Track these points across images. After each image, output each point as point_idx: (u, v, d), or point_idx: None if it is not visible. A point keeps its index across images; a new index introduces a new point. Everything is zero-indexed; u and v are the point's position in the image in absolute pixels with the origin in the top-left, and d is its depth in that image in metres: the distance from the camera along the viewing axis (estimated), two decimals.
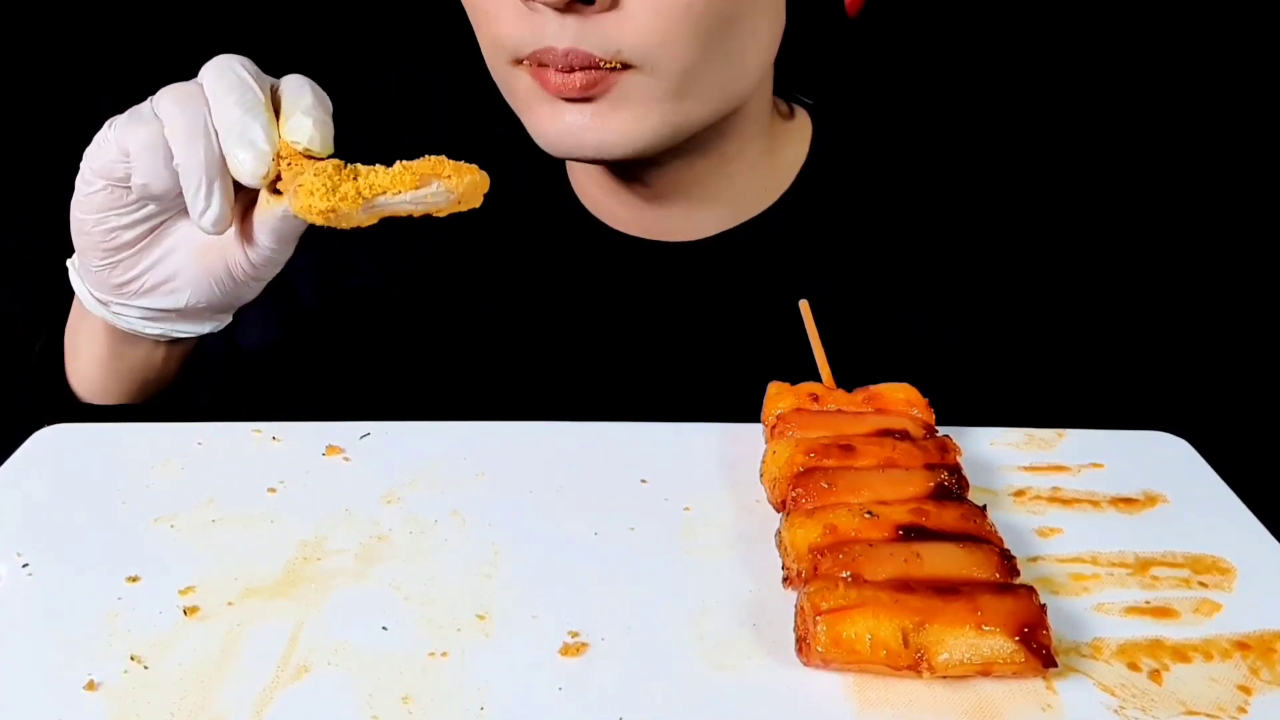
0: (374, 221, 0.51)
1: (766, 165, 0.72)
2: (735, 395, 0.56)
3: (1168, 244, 1.02)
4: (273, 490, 0.52)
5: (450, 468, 0.53)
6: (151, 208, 0.55)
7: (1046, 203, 0.77)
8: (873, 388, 0.54)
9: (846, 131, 0.75)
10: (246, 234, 0.56)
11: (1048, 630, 0.40)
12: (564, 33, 0.57)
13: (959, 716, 0.39)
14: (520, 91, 0.62)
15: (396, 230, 0.75)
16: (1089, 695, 0.40)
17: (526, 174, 0.73)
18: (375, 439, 0.56)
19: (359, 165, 0.51)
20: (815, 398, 0.54)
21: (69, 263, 0.60)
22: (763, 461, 0.51)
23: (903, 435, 0.50)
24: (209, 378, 0.67)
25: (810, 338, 0.57)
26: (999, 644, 0.39)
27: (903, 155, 0.76)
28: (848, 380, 0.55)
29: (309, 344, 0.75)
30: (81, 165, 0.54)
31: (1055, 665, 0.39)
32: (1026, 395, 0.69)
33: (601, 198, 0.73)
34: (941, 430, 0.52)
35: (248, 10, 0.57)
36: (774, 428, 0.52)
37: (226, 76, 0.52)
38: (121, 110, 0.53)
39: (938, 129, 0.83)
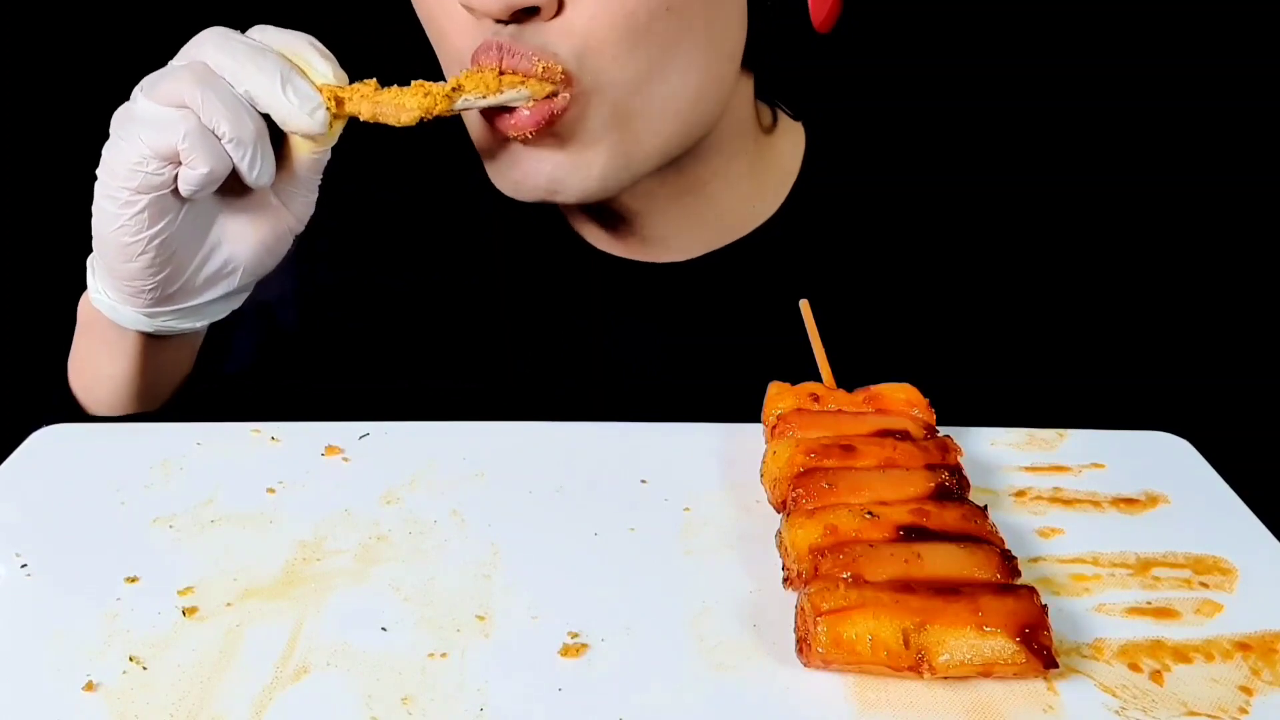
0: (415, 124, 0.55)
1: (753, 179, 0.71)
2: (735, 395, 0.56)
3: (1167, 244, 1.02)
4: (272, 491, 0.51)
5: (450, 468, 0.53)
6: (198, 204, 0.55)
7: (1046, 203, 0.77)
8: (873, 388, 0.54)
9: (841, 139, 0.75)
10: (282, 187, 0.58)
11: (1049, 631, 0.39)
12: (502, 35, 0.57)
13: (960, 717, 0.39)
14: (476, 135, 0.63)
15: (392, 243, 0.75)
16: (1090, 696, 0.40)
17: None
18: (375, 439, 0.56)
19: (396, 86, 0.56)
20: (816, 398, 0.54)
21: (92, 296, 0.59)
22: (763, 462, 0.51)
23: (903, 435, 0.50)
24: (249, 337, 0.68)
25: (810, 337, 0.57)
26: (1000, 645, 0.39)
27: (900, 157, 0.76)
28: (848, 380, 0.55)
29: (306, 346, 0.75)
30: (110, 193, 0.53)
31: (1056, 666, 0.39)
32: (1027, 395, 0.69)
33: (589, 221, 0.72)
34: (942, 430, 0.52)
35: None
36: (774, 428, 0.52)
37: (233, 47, 0.53)
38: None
39: (934, 132, 0.83)
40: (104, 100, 0.56)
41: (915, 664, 0.39)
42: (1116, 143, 1.06)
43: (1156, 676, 0.41)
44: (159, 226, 0.54)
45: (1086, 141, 1.06)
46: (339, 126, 0.56)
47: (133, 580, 0.45)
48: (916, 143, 0.78)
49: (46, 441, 0.55)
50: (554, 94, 0.57)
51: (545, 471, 0.53)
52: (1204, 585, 0.46)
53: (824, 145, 0.74)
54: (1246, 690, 0.40)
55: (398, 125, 0.55)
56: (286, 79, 0.53)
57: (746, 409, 0.55)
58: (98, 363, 0.62)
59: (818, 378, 0.56)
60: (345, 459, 0.54)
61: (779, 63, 0.69)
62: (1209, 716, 0.39)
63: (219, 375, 0.67)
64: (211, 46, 0.53)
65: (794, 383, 0.55)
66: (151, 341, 0.61)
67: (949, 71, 1.02)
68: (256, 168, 0.54)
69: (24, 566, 0.46)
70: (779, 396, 0.54)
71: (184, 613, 0.43)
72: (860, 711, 0.39)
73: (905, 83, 0.99)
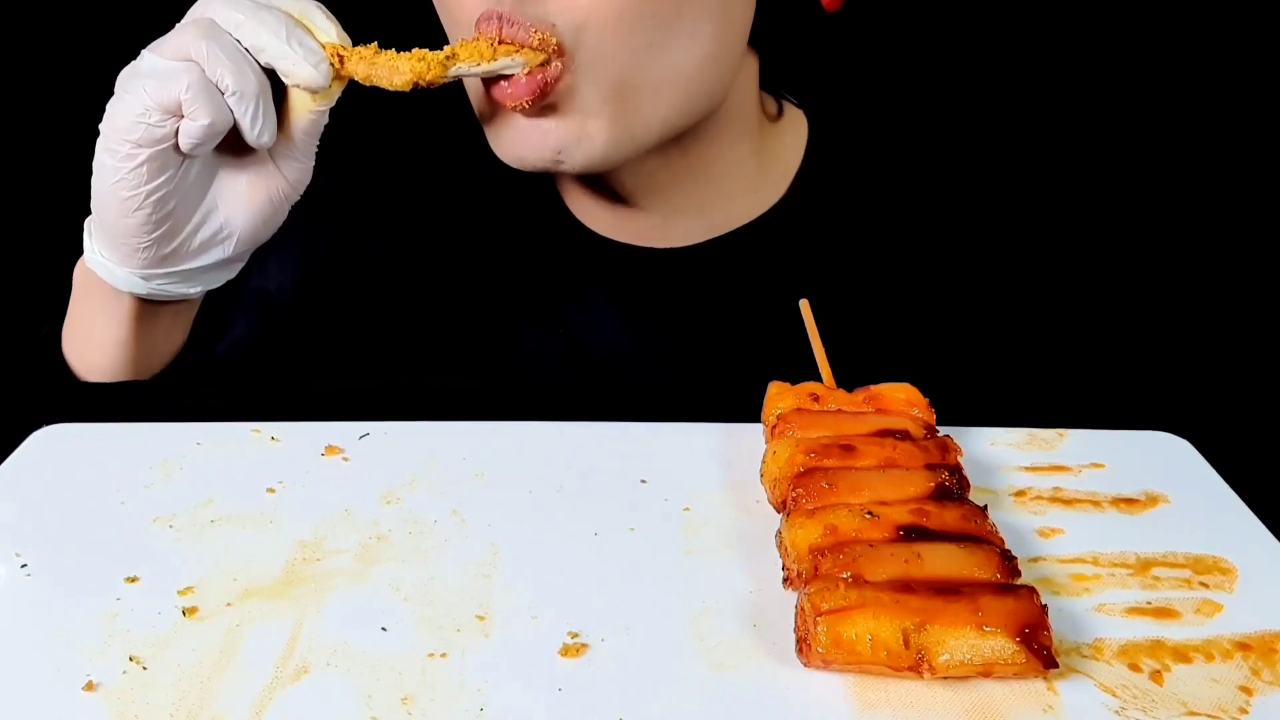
0: (408, 88, 0.55)
1: (756, 167, 0.71)
2: (735, 394, 0.56)
3: (1167, 243, 1.02)
4: (272, 490, 0.51)
5: (450, 468, 0.53)
6: (197, 163, 0.56)
7: (1046, 203, 0.76)
8: (873, 388, 0.54)
9: (844, 132, 0.75)
10: (280, 151, 0.59)
11: (1049, 631, 0.39)
12: (504, 4, 0.57)
13: (960, 717, 0.39)
14: (478, 105, 0.63)
15: (387, 208, 0.75)
16: (1090, 696, 0.40)
17: (515, 180, 0.72)
18: (374, 439, 0.56)
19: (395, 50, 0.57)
20: (816, 398, 0.54)
21: (88, 257, 0.59)
22: (763, 461, 0.51)
23: (903, 435, 0.50)
24: (246, 321, 0.68)
25: (810, 337, 0.57)
26: (1000, 645, 0.39)
27: (901, 156, 0.76)
28: (848, 380, 0.55)
29: (303, 344, 0.75)
30: (111, 147, 0.54)
31: (1056, 666, 0.39)
32: (1027, 395, 0.69)
33: (588, 204, 0.72)
34: (942, 430, 0.52)
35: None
36: (774, 428, 0.52)
37: (240, 3, 0.54)
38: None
39: (935, 128, 0.83)
40: (103, 93, 0.56)
41: (915, 664, 0.39)
42: (1116, 143, 1.05)
43: (1156, 676, 0.41)
44: (158, 182, 0.54)
45: (1086, 141, 1.06)
46: (338, 87, 0.57)
47: (133, 580, 0.45)
48: (918, 141, 0.78)
49: (46, 441, 0.55)
50: (546, 63, 0.57)
51: (545, 471, 0.53)
52: (1204, 585, 0.46)
53: (826, 140, 0.74)
54: (1246, 690, 0.40)
55: (391, 89, 0.55)
56: (291, 32, 0.54)
57: (746, 408, 0.55)
58: (92, 327, 0.62)
59: (818, 377, 0.56)
60: (345, 459, 0.54)
61: (785, 60, 0.69)
62: (1209, 716, 0.39)
63: (212, 355, 0.67)
64: (219, 3, 0.54)
65: (794, 382, 0.55)
66: (146, 307, 0.61)
67: (951, 71, 1.02)
68: (258, 124, 0.54)
69: (24, 566, 0.46)
70: (779, 396, 0.54)
71: (184, 613, 0.43)
72: (860, 711, 0.39)
73: (908, 81, 0.99)
